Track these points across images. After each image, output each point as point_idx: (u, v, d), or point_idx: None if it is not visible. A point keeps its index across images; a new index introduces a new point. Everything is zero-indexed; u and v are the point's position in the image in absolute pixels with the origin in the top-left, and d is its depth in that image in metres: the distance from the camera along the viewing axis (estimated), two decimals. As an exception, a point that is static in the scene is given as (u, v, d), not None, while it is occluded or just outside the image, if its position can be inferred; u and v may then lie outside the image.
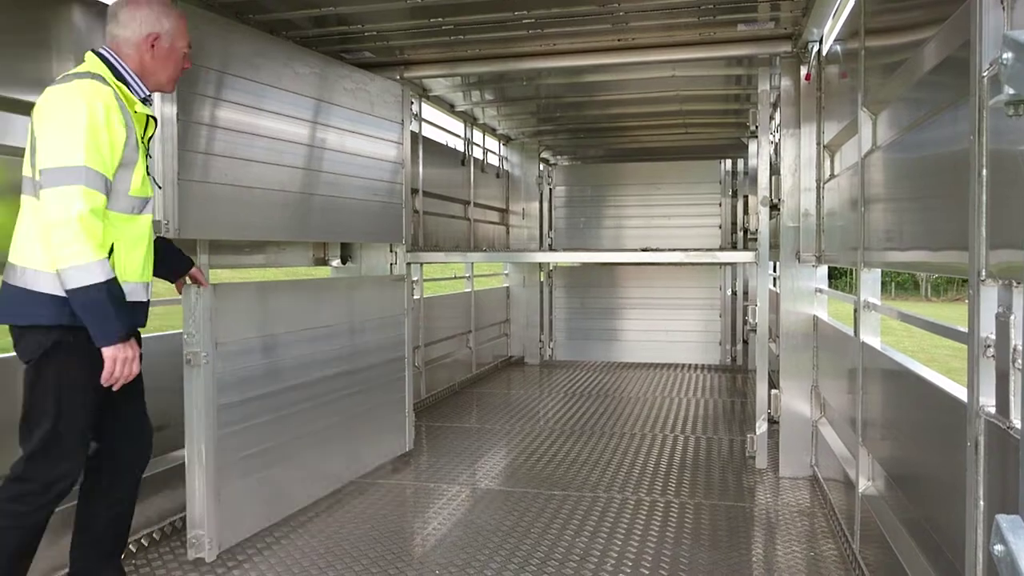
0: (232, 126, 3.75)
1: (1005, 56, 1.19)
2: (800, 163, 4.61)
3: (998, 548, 1.09)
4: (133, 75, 2.62)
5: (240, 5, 3.95)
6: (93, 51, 2.62)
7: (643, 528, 3.77)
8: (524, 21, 4.23)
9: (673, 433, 5.76)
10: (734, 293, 9.26)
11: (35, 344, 2.44)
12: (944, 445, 2.15)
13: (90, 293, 2.36)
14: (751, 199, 8.79)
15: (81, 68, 2.54)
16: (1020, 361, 1.59)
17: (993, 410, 1.71)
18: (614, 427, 5.97)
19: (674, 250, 4.88)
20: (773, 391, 4.83)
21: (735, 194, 9.25)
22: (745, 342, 9.04)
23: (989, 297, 1.73)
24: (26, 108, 3.06)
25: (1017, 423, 1.59)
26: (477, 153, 8.13)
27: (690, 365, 9.20)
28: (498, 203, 9.03)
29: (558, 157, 10.26)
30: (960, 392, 2.01)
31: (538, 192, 9.58)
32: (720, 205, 9.27)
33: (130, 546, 3.36)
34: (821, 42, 4.38)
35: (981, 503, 1.73)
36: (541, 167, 9.63)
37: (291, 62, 4.19)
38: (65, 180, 2.32)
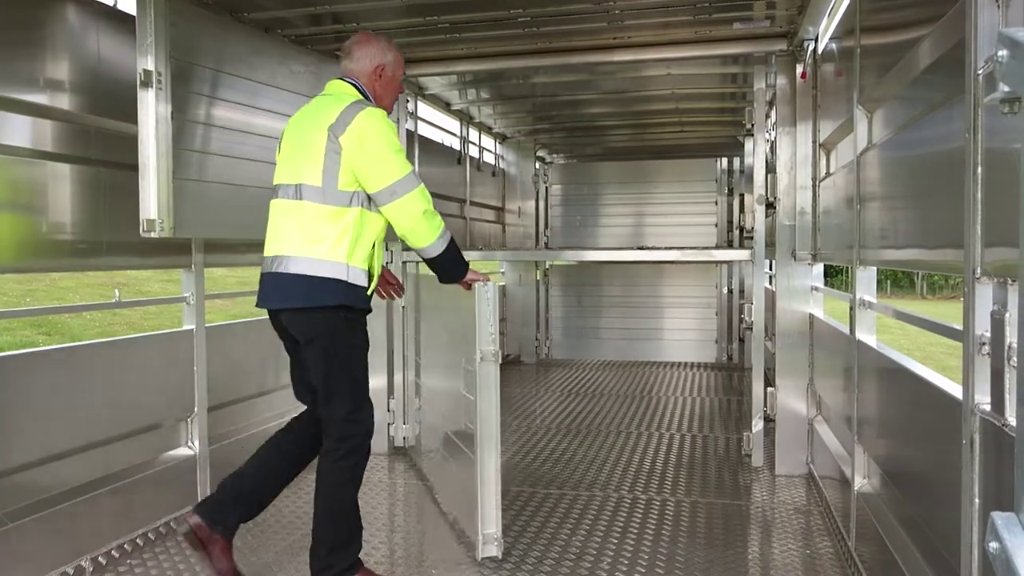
0: (227, 124, 3.74)
1: (1000, 54, 1.18)
2: (796, 161, 4.62)
3: (993, 545, 1.09)
4: (371, 97, 3.10)
5: (235, 3, 3.93)
6: (340, 80, 3.11)
7: (639, 526, 3.77)
8: (520, 19, 4.22)
9: (669, 431, 5.76)
10: (730, 291, 9.26)
11: (324, 321, 2.89)
12: (939, 443, 2.15)
13: (451, 248, 3.08)
14: (747, 197, 8.78)
15: (348, 96, 3.00)
16: (1015, 359, 1.59)
17: (988, 408, 1.72)
18: (610, 425, 5.97)
19: (670, 248, 4.88)
20: (769, 389, 4.83)
21: (731, 192, 9.24)
22: (741, 340, 9.04)
23: (984, 295, 1.73)
24: (20, 107, 3.06)
25: (1012, 420, 1.59)
26: (473, 152, 8.12)
27: (687, 363, 9.21)
28: (494, 201, 9.02)
29: (554, 155, 10.25)
30: (955, 390, 2.01)
31: (534, 190, 9.57)
32: (716, 203, 9.27)
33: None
34: (817, 40, 4.38)
35: (976, 500, 1.73)
36: (537, 165, 9.62)
37: (286, 60, 4.18)
38: (410, 187, 2.91)
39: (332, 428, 2.94)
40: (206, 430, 3.95)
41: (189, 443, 3.91)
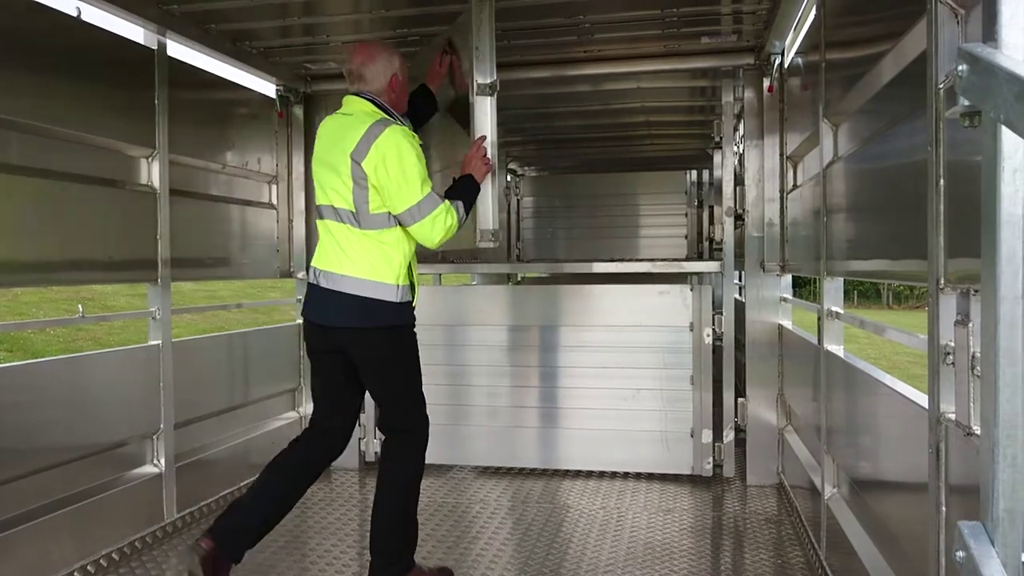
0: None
1: (960, 68, 1.21)
2: (764, 174, 4.67)
3: (960, 554, 1.10)
4: (392, 110, 3.11)
5: (203, 15, 3.90)
6: (357, 96, 3.08)
7: (613, 539, 3.77)
8: (490, 33, 4.23)
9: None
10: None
11: (380, 340, 2.99)
12: (906, 451, 2.17)
13: (466, 213, 3.14)
14: (716, 209, 8.85)
15: (367, 116, 2.99)
16: (979, 368, 1.61)
17: (954, 417, 1.74)
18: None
19: (641, 260, 4.92)
20: (740, 400, 4.86)
21: (701, 204, 9.32)
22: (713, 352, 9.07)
23: (948, 305, 1.76)
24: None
25: (977, 429, 1.61)
26: (445, 164, 8.11)
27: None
28: (466, 214, 9.00)
29: (525, 168, 10.28)
30: (921, 399, 2.03)
31: (506, 203, 9.58)
32: (686, 216, 9.34)
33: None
34: (783, 55, 4.45)
35: (943, 509, 1.75)
36: (508, 178, 9.63)
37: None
38: (432, 207, 2.95)
39: (396, 421, 3.09)
40: (172, 447, 3.88)
41: (155, 461, 3.83)
